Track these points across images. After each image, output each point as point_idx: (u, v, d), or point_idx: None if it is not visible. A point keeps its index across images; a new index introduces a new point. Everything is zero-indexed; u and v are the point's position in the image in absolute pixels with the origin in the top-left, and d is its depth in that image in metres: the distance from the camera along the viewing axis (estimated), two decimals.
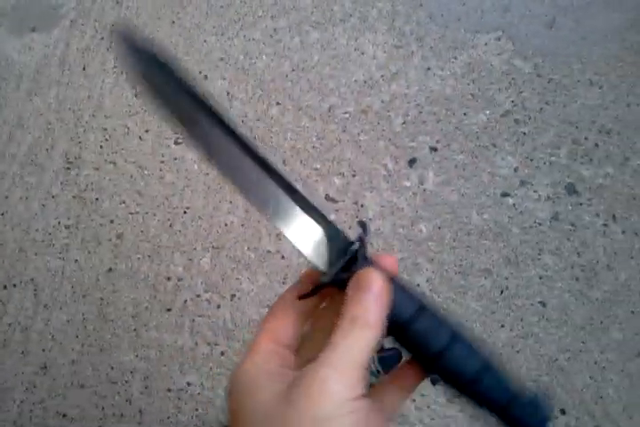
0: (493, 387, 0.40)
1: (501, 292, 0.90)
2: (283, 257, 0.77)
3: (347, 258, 0.41)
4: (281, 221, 0.42)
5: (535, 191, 0.97)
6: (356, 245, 0.41)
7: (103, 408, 0.79)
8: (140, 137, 0.98)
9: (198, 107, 0.41)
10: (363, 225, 0.49)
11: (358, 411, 0.36)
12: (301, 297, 0.42)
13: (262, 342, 0.42)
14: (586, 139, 1.00)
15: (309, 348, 0.43)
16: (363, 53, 1.07)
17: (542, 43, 1.10)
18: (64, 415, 0.78)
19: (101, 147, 0.98)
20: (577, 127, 1.02)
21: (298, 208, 0.43)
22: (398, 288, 0.41)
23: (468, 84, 1.05)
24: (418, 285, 0.90)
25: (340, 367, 0.36)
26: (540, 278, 0.89)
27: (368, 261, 0.41)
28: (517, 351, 0.85)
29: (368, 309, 0.39)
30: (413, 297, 0.41)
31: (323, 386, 0.36)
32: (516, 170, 0.98)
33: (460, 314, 0.87)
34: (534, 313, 0.87)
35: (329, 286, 0.41)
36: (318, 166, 0.97)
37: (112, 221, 0.90)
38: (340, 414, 0.35)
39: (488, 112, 1.03)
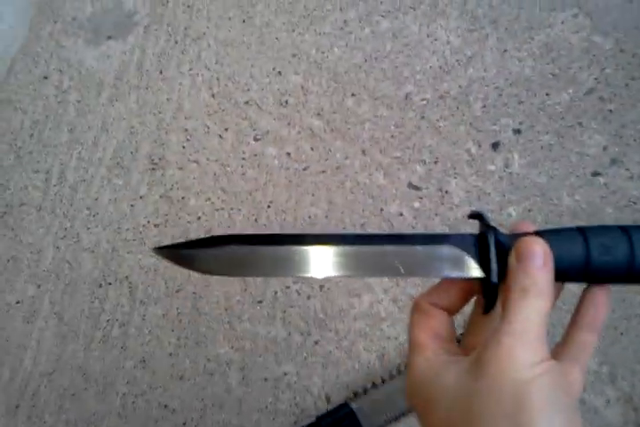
0: None
1: None
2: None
3: (493, 250, 0.40)
4: (415, 270, 0.41)
5: (627, 169, 0.93)
6: (490, 233, 0.41)
7: (203, 399, 0.80)
8: (219, 135, 1.00)
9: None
10: (476, 215, 0.43)
11: (551, 370, 0.36)
12: (487, 311, 0.42)
13: (426, 340, 0.42)
14: None
15: (471, 339, 0.44)
16: (436, 39, 1.05)
17: (622, 17, 1.05)
18: (165, 406, 0.80)
19: (184, 147, 0.99)
20: None
21: (415, 248, 0.42)
22: (555, 242, 0.40)
23: (548, 64, 1.02)
24: None
25: (523, 335, 0.36)
26: None
27: (514, 237, 0.41)
28: (621, 333, 0.81)
29: (536, 277, 0.38)
30: (572, 240, 0.40)
31: (510, 353, 0.35)
32: (605, 148, 0.94)
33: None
34: (637, 293, 0.84)
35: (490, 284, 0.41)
36: (399, 155, 0.96)
37: (199, 218, 0.92)
38: (536, 375, 0.35)
39: (571, 91, 0.99)
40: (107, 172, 0.99)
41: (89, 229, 0.92)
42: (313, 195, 0.94)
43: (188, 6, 1.11)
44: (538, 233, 0.41)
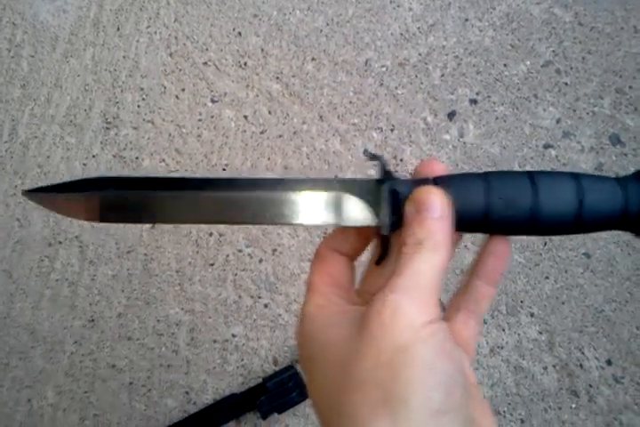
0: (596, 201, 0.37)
1: (545, 244, 0.88)
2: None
3: (386, 199, 0.38)
4: (293, 216, 0.39)
5: (578, 142, 0.94)
6: (387, 180, 0.39)
7: (151, 360, 0.80)
8: (176, 96, 0.98)
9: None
10: (374, 157, 0.41)
11: (437, 333, 0.33)
12: (379, 262, 0.40)
13: (321, 285, 0.40)
14: (630, 88, 0.97)
15: (370, 284, 0.42)
16: (398, 6, 1.04)
17: None
18: (113, 366, 0.80)
19: (139, 106, 0.98)
20: (621, 76, 0.99)
21: (291, 194, 0.39)
22: (455, 191, 0.38)
23: (507, 35, 1.02)
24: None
25: (411, 291, 0.34)
26: None
27: (412, 184, 0.38)
28: (562, 303, 0.84)
29: (432, 230, 0.36)
30: (474, 190, 0.38)
31: (395, 312, 0.33)
32: (558, 121, 0.96)
33: None
34: (578, 265, 0.86)
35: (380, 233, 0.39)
36: (356, 121, 0.96)
37: None
38: (419, 339, 0.32)
39: (528, 63, 1.00)
40: (59, 129, 0.97)
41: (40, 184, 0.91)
42: (269, 159, 0.94)
43: None
44: (439, 180, 0.39)
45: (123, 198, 0.39)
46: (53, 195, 0.39)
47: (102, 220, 0.39)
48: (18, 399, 0.78)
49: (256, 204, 0.39)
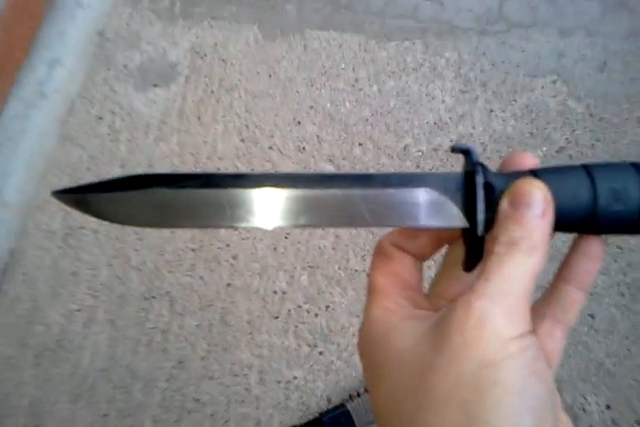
0: None
1: None
2: (368, 275, 0.95)
3: (480, 195, 0.34)
4: (384, 218, 0.34)
5: None
6: (479, 173, 0.34)
7: (228, 395, 0.99)
8: None
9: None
10: (462, 149, 0.36)
11: (529, 350, 0.30)
12: (469, 268, 0.35)
13: (387, 285, 0.36)
14: None
15: (444, 287, 0.38)
16: (433, 98, 1.24)
17: (594, 85, 1.24)
18: (198, 400, 0.98)
19: None
20: (616, 157, 1.16)
21: (386, 191, 0.34)
22: (556, 185, 0.33)
23: (527, 124, 1.21)
24: None
25: (501, 299, 0.30)
26: (591, 295, 1.04)
27: (508, 178, 0.34)
28: (569, 356, 1.00)
29: (531, 229, 0.32)
30: (577, 183, 0.34)
31: (481, 322, 0.29)
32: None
33: None
34: (584, 324, 1.02)
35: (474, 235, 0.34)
36: None
37: (228, 245, 1.10)
38: (507, 356, 0.29)
39: (545, 149, 1.18)
40: None
41: (137, 250, 1.11)
42: (323, 229, 1.12)
43: (223, 60, 1.30)
44: (535, 172, 0.35)
45: (176, 197, 0.34)
46: (95, 195, 0.35)
47: (156, 224, 0.34)
48: (122, 426, 0.97)
49: (332, 202, 0.34)
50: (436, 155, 1.18)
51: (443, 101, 1.24)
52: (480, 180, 0.34)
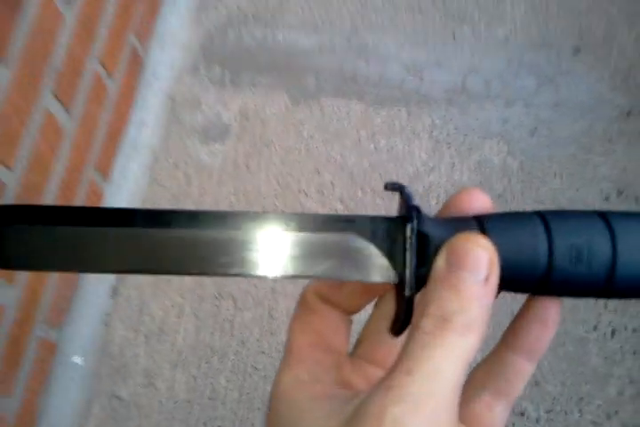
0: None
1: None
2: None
3: (411, 246, 0.28)
4: (293, 269, 0.29)
5: None
6: (413, 220, 0.29)
7: (274, 365, 1.53)
8: (282, 211, 1.70)
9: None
10: (396, 187, 0.34)
11: None
12: (396, 332, 0.30)
13: (304, 348, 0.32)
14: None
15: (369, 349, 0.34)
16: (412, 154, 1.75)
17: (526, 146, 1.76)
18: (255, 368, 1.53)
19: None
20: (544, 204, 1.69)
21: (268, 232, 0.29)
22: (506, 239, 0.28)
23: (477, 175, 1.73)
24: None
25: (424, 403, 0.25)
26: None
27: (448, 225, 0.29)
28: None
29: (469, 298, 0.26)
30: (531, 236, 0.29)
31: None
32: None
33: None
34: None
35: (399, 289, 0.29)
36: None
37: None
38: None
39: (487, 190, 1.70)
40: None
41: None
42: None
43: (262, 121, 1.79)
44: (482, 220, 0.30)
45: (42, 235, 0.29)
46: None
47: (13, 266, 0.29)
48: None
49: (217, 246, 0.29)
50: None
51: (419, 157, 1.75)
52: (413, 227, 0.29)
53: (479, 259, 0.28)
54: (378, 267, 0.30)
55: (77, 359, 1.47)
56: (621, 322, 1.56)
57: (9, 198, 1.20)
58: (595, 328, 1.56)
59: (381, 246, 0.30)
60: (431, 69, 1.86)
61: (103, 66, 1.54)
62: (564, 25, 1.89)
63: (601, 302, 1.57)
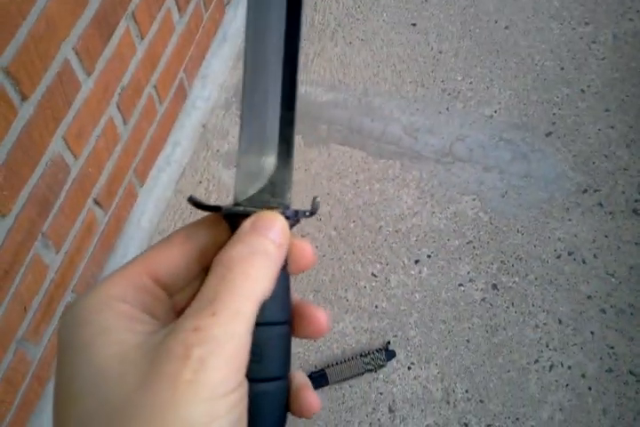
0: None
1: None
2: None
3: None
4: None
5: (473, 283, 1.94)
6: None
7: None
8: None
9: None
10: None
11: (236, 407, 0.27)
12: (198, 206, 0.35)
13: (134, 272, 0.32)
14: (508, 262, 1.98)
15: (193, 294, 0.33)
16: (400, 199, 2.06)
17: (497, 205, 2.08)
18: None
19: None
20: (505, 254, 1.99)
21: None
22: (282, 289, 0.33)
23: (453, 224, 2.03)
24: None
25: (227, 344, 0.27)
26: None
27: (283, 207, 0.36)
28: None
29: (263, 253, 0.31)
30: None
31: (197, 377, 0.26)
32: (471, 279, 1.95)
33: None
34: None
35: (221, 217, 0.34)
36: (371, 257, 1.96)
37: None
38: (215, 418, 0.26)
39: (458, 241, 2.01)
40: None
41: None
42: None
43: None
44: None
45: None
46: None
47: None
48: None
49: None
50: (397, 234, 2.00)
51: (406, 202, 2.06)
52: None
53: (276, 224, 0.33)
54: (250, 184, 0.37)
55: None
56: (559, 359, 1.83)
57: (69, 180, 1.48)
58: (536, 361, 1.83)
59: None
60: (425, 133, 2.21)
61: (157, 92, 1.86)
62: (541, 111, 2.26)
63: (543, 341, 1.85)
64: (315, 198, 0.41)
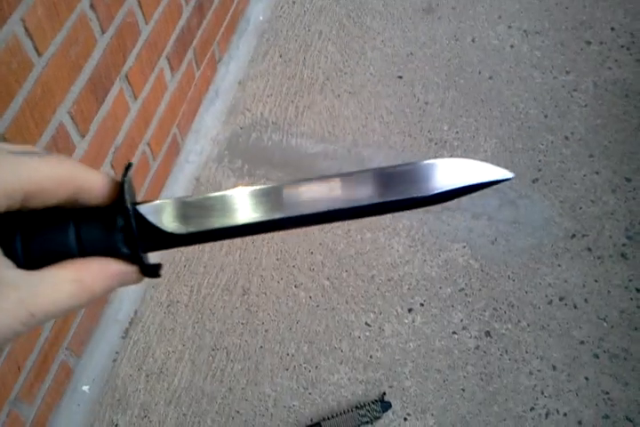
0: None
1: None
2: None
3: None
4: None
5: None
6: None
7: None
8: (278, 281, 2.00)
9: None
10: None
11: None
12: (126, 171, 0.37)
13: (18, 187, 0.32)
14: (500, 308, 1.99)
15: None
16: (392, 248, 2.09)
17: (487, 252, 2.11)
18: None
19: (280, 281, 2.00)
20: (497, 301, 2.01)
21: None
22: None
23: (444, 271, 2.06)
24: None
25: None
26: None
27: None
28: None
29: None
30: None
31: None
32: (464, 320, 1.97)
33: None
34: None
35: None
36: (362, 306, 1.97)
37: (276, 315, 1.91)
38: None
39: (450, 289, 2.03)
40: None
41: (213, 330, 1.91)
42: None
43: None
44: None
45: None
46: None
47: None
48: None
49: None
50: (390, 282, 2.02)
51: (397, 250, 2.09)
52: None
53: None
54: None
55: (85, 387, 1.69)
56: (555, 406, 1.83)
57: None
58: (532, 409, 1.82)
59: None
60: None
61: (150, 148, 1.91)
62: (527, 159, 2.31)
63: (538, 388, 1.85)
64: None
